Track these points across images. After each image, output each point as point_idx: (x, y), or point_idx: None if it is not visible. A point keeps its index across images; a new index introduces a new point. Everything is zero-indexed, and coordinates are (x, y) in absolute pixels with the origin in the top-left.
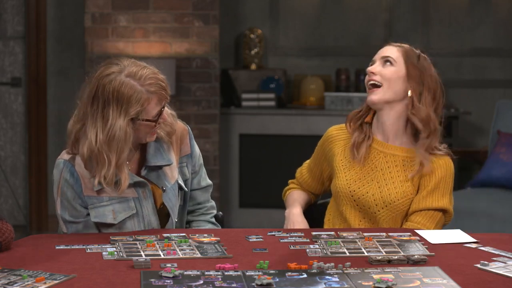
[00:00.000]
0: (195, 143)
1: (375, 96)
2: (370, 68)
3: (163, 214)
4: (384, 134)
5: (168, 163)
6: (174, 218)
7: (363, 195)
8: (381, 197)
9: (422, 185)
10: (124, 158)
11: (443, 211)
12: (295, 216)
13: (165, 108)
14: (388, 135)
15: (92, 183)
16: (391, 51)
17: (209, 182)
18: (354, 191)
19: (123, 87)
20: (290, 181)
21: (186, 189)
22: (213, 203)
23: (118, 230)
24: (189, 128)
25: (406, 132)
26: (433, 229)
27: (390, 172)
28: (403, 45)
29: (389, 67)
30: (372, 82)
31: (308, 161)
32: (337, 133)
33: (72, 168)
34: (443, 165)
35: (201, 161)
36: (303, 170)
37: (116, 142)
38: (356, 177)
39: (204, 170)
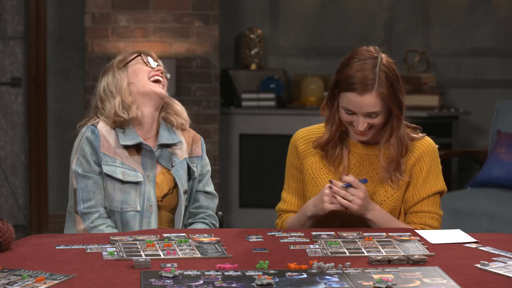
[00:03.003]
0: (205, 152)
1: (367, 138)
2: (359, 128)
3: (167, 205)
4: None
5: (178, 141)
6: (181, 187)
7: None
8: (371, 198)
9: (414, 174)
10: (125, 89)
11: (441, 192)
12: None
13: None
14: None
15: (119, 139)
16: (374, 104)
17: (214, 192)
18: None
19: (118, 58)
20: (277, 222)
21: (194, 169)
22: (215, 216)
23: (123, 193)
24: (202, 139)
25: (383, 131)
26: (439, 211)
27: (376, 173)
28: (373, 73)
29: (376, 118)
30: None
31: (283, 192)
32: (306, 143)
33: (94, 127)
34: (428, 148)
35: (209, 169)
36: (285, 198)
37: (113, 85)
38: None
39: (210, 179)
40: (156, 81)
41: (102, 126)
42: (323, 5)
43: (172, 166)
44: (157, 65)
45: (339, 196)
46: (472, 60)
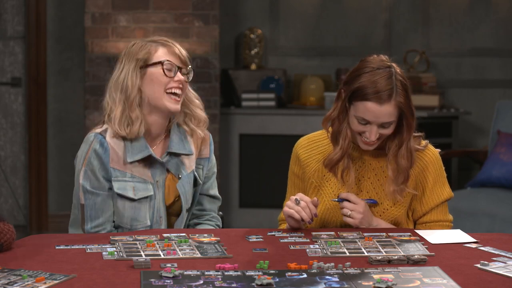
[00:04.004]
0: (213, 151)
1: (373, 147)
2: (371, 138)
3: (174, 211)
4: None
5: (188, 153)
6: (185, 204)
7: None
8: (374, 206)
9: (420, 185)
10: (132, 100)
11: (448, 199)
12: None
13: (184, 76)
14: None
15: (127, 154)
16: (391, 114)
17: (218, 195)
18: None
19: (135, 44)
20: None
21: (200, 181)
22: (218, 217)
23: (133, 210)
24: (211, 136)
25: (390, 142)
26: (448, 217)
27: (378, 180)
28: (390, 82)
29: (388, 128)
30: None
31: (285, 201)
32: (307, 151)
33: (103, 139)
34: (432, 158)
35: (215, 170)
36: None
37: (121, 85)
38: (345, 190)
39: (215, 181)
40: (174, 93)
41: (111, 136)
42: (323, 5)
43: (179, 178)
44: (178, 70)
45: (342, 212)
46: (472, 60)
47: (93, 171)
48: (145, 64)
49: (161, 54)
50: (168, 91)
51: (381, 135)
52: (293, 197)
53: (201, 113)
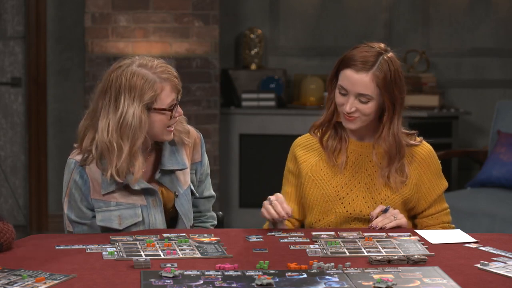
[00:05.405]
0: (205, 152)
1: (354, 125)
2: (346, 109)
3: (169, 217)
4: (358, 135)
5: (182, 167)
6: (187, 223)
7: (353, 200)
8: (372, 198)
9: (421, 180)
10: (138, 146)
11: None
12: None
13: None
14: (363, 136)
15: (102, 185)
16: (366, 85)
17: (213, 193)
18: (344, 197)
19: (135, 76)
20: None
21: (197, 194)
22: (213, 214)
23: None
24: (202, 136)
25: (378, 127)
26: (447, 204)
27: (375, 171)
28: (375, 58)
29: (366, 104)
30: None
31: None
32: (305, 149)
33: (83, 170)
34: (428, 152)
35: (208, 171)
36: None
37: (129, 130)
38: (343, 182)
39: (209, 180)
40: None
41: (91, 167)
42: (323, 5)
43: (176, 196)
44: (177, 103)
45: (387, 221)
46: (472, 60)
47: (76, 202)
48: (152, 107)
49: (167, 93)
50: (168, 127)
51: (358, 110)
52: (270, 197)
53: (184, 126)
